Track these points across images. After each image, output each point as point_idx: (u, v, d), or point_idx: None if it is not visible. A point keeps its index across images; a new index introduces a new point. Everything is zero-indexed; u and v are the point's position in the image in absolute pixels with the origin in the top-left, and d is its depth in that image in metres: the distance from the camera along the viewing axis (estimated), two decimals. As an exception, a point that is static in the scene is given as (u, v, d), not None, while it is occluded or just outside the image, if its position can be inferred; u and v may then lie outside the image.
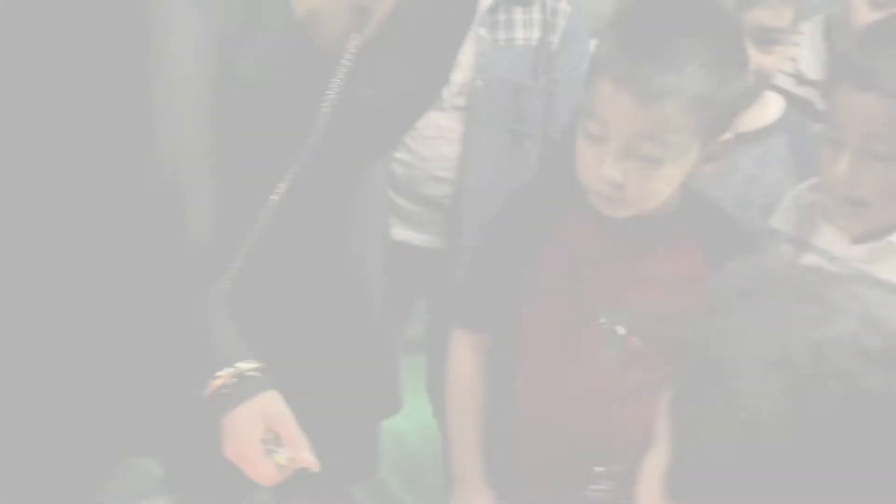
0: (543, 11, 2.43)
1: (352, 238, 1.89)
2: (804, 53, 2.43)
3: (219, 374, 1.60)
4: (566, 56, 2.42)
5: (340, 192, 1.84)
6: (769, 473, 0.74)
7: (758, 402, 0.75)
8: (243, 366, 1.61)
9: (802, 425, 0.74)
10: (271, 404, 1.61)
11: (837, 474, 0.74)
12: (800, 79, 2.39)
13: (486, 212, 2.37)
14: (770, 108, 2.10)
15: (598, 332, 1.74)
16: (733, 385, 0.77)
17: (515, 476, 1.82)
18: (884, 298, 0.79)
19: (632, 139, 1.62)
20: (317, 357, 1.82)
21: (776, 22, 1.95)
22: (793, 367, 0.75)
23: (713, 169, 1.74)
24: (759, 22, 1.93)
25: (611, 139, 1.63)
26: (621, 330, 1.74)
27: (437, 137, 2.41)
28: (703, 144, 1.67)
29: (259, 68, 1.65)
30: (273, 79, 1.66)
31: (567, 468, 1.77)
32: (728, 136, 1.70)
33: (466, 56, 2.30)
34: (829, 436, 0.74)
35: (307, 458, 1.58)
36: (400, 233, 2.45)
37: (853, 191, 1.71)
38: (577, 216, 1.76)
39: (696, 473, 0.79)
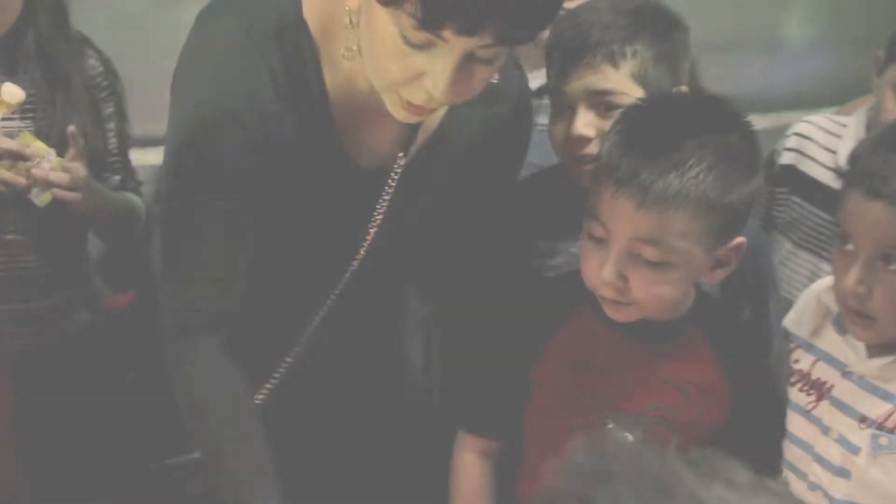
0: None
1: (402, 335, 1.83)
2: (846, 146, 2.34)
3: None
4: None
5: (388, 298, 1.79)
6: None
7: None
8: None
9: None
10: None
11: None
12: (839, 172, 2.31)
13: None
14: None
15: (605, 437, 1.68)
16: None
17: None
18: (723, 498, 0.75)
19: (633, 243, 1.57)
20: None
21: (607, 85, 1.79)
22: None
23: (724, 274, 1.67)
24: (589, 86, 1.80)
25: (612, 242, 1.58)
26: (629, 437, 1.67)
27: None
28: (711, 249, 1.60)
29: (303, 191, 1.59)
30: (318, 201, 1.60)
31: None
32: (740, 240, 1.63)
33: None
34: None
35: None
36: None
37: (864, 305, 1.61)
38: (584, 313, 1.70)
39: None
